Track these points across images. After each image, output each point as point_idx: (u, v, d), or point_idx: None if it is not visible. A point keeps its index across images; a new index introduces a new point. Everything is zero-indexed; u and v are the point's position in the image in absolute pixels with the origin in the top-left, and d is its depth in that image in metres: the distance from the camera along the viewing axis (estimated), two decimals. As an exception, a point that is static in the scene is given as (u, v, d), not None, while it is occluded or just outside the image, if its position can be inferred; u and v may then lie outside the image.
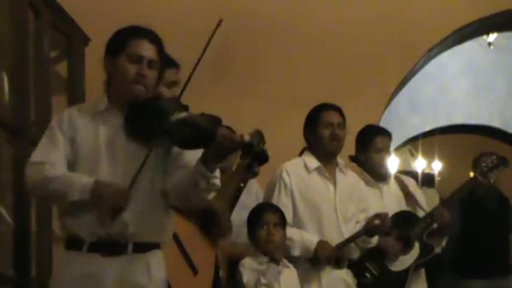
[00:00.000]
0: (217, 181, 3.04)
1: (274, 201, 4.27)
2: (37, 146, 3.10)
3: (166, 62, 3.31)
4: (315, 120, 4.39)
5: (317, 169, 4.33)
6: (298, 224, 4.28)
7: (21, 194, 4.07)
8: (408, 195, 4.91)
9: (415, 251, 4.72)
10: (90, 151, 3.06)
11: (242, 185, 4.11)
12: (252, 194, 4.48)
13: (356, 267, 4.41)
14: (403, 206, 4.86)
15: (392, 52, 6.13)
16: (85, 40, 5.08)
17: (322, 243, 4.21)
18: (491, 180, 4.96)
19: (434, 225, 4.78)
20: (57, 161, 3.03)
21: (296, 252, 4.22)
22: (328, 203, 4.32)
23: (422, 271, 4.88)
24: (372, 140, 4.80)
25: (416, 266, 4.73)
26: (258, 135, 3.61)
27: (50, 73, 4.61)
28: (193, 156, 3.02)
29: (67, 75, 4.95)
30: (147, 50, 3.08)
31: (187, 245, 3.56)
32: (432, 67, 7.93)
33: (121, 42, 3.08)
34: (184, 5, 5.92)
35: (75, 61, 4.96)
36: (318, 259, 4.21)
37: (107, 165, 3.04)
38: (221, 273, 3.98)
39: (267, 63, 5.71)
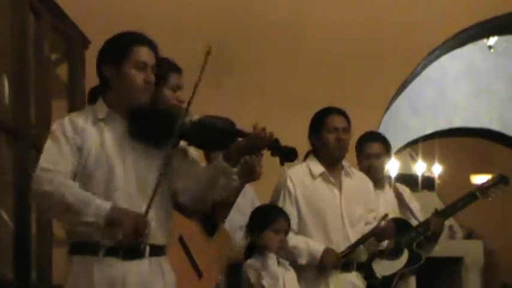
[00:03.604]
0: (236, 179, 3.07)
1: None
2: (43, 152, 3.03)
3: (170, 66, 3.39)
4: (319, 124, 4.38)
5: (322, 175, 4.31)
6: (303, 230, 4.27)
7: (22, 197, 4.06)
8: (402, 204, 4.92)
9: (404, 258, 4.74)
10: (100, 159, 3.04)
11: None
12: (248, 198, 4.47)
13: (365, 270, 4.41)
14: (396, 213, 4.87)
15: (393, 55, 6.12)
16: (85, 43, 5.08)
17: (327, 251, 4.20)
18: (490, 198, 4.93)
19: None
20: (68, 171, 2.99)
21: (302, 260, 4.21)
22: (334, 208, 4.30)
23: (413, 279, 4.89)
24: (362, 146, 4.86)
25: (402, 274, 4.74)
26: None
27: (50, 76, 4.61)
28: (194, 151, 3.13)
29: (67, 77, 4.95)
30: (150, 57, 3.11)
31: (193, 248, 3.56)
32: (432, 70, 7.93)
33: (124, 49, 3.08)
34: (184, 8, 5.92)
35: (76, 64, 4.96)
36: (324, 266, 4.21)
37: (121, 171, 3.03)
38: (220, 276, 3.98)
39: (268, 66, 5.71)
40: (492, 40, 10.05)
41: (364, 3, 6.19)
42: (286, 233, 4.06)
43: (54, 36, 4.65)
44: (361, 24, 6.10)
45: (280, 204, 4.27)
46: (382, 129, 5.71)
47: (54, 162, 2.99)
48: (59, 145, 3.03)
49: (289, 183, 4.29)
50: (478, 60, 10.77)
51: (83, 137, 3.05)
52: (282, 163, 3.09)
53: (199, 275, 3.59)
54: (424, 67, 6.60)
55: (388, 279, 4.68)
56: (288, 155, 3.06)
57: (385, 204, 4.83)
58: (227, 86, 5.85)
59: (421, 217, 4.92)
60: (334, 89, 5.94)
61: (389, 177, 5.07)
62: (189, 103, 3.03)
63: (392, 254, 4.66)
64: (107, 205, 2.92)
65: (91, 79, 5.00)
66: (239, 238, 4.22)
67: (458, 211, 4.96)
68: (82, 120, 3.09)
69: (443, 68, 10.01)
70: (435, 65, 7.08)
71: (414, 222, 4.87)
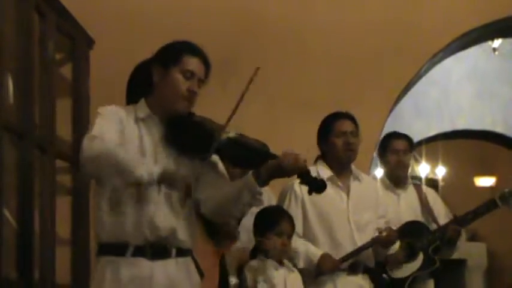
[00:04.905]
0: (261, 199, 3.13)
1: None
2: (93, 127, 3.05)
3: None
4: (328, 129, 4.38)
5: (329, 179, 4.29)
6: (309, 233, 4.28)
7: (25, 196, 4.07)
8: (423, 206, 4.90)
9: (418, 261, 4.73)
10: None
11: None
12: (264, 201, 4.46)
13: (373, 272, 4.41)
14: (418, 216, 4.85)
15: (397, 57, 6.11)
16: (90, 43, 5.08)
17: (325, 257, 4.20)
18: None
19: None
20: (114, 139, 3.02)
21: (300, 264, 4.22)
22: (341, 212, 4.30)
23: (431, 282, 4.88)
24: (388, 142, 4.88)
25: (416, 277, 4.73)
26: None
27: (54, 75, 4.60)
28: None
29: (72, 77, 4.95)
30: (200, 69, 3.16)
31: (194, 249, 3.56)
32: (436, 72, 7.92)
33: (175, 55, 3.14)
34: (190, 10, 5.91)
35: (80, 64, 4.96)
36: (321, 272, 4.21)
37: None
38: (232, 279, 3.97)
39: (273, 67, 5.70)
40: (496, 42, 10.03)
41: (368, 5, 6.18)
42: (290, 236, 4.04)
43: (59, 36, 4.65)
44: (365, 26, 6.10)
45: (285, 206, 4.27)
46: (386, 131, 5.70)
47: (105, 132, 3.01)
48: (107, 121, 3.07)
49: (296, 186, 4.28)
50: (482, 62, 10.76)
51: (123, 127, 3.09)
52: (310, 193, 3.11)
53: (201, 275, 3.59)
54: (428, 69, 6.60)
55: (400, 282, 4.68)
56: (317, 188, 3.09)
57: (406, 206, 4.84)
58: (232, 88, 5.83)
59: (446, 221, 4.87)
60: (338, 90, 5.93)
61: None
62: (228, 120, 3.07)
63: (407, 256, 4.66)
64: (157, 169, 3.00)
65: (95, 79, 5.04)
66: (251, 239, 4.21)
67: (478, 218, 4.90)
68: (124, 113, 3.14)
69: (447, 70, 10.01)
70: (439, 67, 7.07)
71: (435, 226, 4.84)
